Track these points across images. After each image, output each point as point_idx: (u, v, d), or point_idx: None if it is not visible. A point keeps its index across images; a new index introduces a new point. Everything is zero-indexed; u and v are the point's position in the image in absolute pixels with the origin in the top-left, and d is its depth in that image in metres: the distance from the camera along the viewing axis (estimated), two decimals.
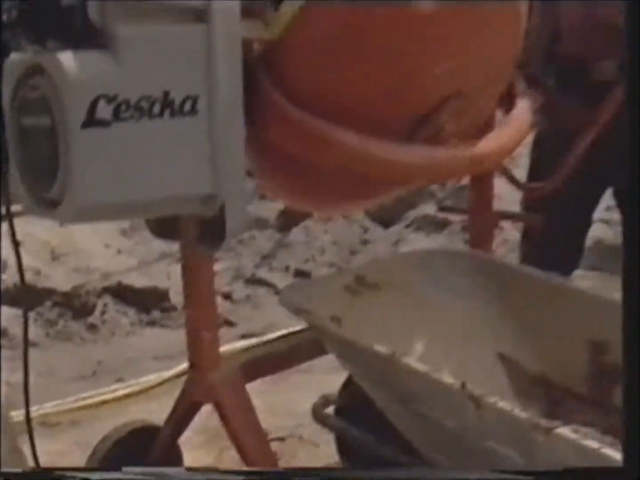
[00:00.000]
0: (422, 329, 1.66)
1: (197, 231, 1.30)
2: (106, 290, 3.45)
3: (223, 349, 1.89)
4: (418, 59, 1.35)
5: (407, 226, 4.00)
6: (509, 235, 3.74)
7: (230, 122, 1.22)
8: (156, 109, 1.17)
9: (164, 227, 1.39)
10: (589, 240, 3.88)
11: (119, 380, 2.79)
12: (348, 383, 1.82)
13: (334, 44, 1.34)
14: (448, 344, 1.65)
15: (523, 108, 1.55)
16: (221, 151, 1.22)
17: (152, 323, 3.38)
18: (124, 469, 1.08)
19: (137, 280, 3.55)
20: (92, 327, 3.32)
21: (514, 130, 1.53)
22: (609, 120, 1.95)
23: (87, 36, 1.16)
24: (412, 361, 1.32)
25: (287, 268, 3.76)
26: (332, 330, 1.47)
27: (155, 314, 3.39)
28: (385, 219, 4.04)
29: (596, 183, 2.26)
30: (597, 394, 1.61)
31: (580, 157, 1.92)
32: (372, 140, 1.33)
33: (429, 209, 3.95)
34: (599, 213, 3.29)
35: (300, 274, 3.72)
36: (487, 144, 1.46)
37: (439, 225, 3.87)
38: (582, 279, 2.58)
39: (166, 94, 1.18)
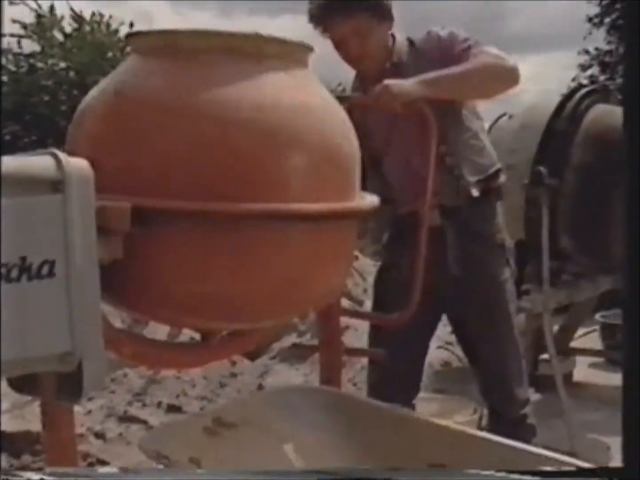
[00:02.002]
0: (277, 463, 1.65)
1: (56, 386, 1.28)
2: None
3: None
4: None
5: (272, 358, 4.00)
6: (365, 362, 3.82)
7: (86, 284, 1.22)
8: (14, 273, 1.17)
9: (23, 382, 1.35)
10: (436, 364, 4.01)
11: None
12: None
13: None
14: None
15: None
16: (78, 311, 1.22)
17: (22, 468, 3.17)
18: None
19: (9, 425, 3.36)
20: None
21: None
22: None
23: None
24: None
25: (159, 404, 3.65)
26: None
27: (26, 458, 3.20)
28: (251, 352, 4.04)
29: (433, 311, 2.35)
30: None
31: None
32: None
33: (291, 340, 3.99)
34: (445, 336, 3.41)
35: (172, 408, 3.63)
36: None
37: (302, 356, 3.90)
38: (429, 402, 2.64)
39: (23, 259, 1.18)
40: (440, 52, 2.20)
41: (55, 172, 1.21)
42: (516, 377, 2.32)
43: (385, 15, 2.21)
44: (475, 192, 2.21)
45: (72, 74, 15.47)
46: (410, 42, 2.29)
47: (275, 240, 1.39)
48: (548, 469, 1.17)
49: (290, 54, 1.50)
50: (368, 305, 4.08)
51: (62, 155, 1.22)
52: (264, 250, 1.38)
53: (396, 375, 2.31)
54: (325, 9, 2.17)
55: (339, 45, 2.24)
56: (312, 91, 1.51)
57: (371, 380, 2.43)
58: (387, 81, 2.09)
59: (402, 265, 2.20)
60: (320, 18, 2.20)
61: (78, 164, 1.24)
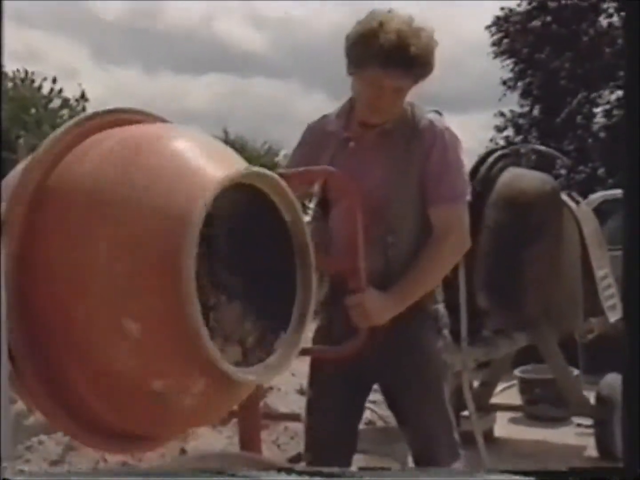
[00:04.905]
0: None
1: None
2: None
3: None
4: None
5: None
6: (289, 424, 3.80)
7: None
8: None
9: None
10: (360, 423, 4.00)
11: None
12: None
13: None
14: None
15: None
16: None
17: None
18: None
19: None
20: None
21: None
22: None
23: None
24: None
25: None
26: None
27: None
28: None
29: (364, 378, 2.34)
30: None
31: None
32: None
33: None
34: (369, 396, 3.40)
35: None
36: None
37: (225, 419, 3.85)
38: (353, 463, 2.63)
39: None
40: (429, 155, 2.17)
41: None
42: (445, 446, 2.28)
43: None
44: None
45: None
46: (412, 111, 2.22)
47: None
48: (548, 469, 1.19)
49: None
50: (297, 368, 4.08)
51: None
52: None
53: (332, 437, 2.30)
54: (393, 56, 2.03)
55: (370, 89, 2.12)
56: None
57: (307, 441, 2.41)
58: (368, 295, 2.05)
59: (338, 324, 2.19)
60: (381, 60, 2.04)
61: None
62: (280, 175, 2.14)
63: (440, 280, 2.26)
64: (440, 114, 2.28)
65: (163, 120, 1.63)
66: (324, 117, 2.35)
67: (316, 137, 2.30)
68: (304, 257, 1.62)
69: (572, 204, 4.08)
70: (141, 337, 1.36)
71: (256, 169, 1.52)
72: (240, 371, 1.46)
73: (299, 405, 2.50)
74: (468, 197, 2.22)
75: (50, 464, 3.60)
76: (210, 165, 1.45)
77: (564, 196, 4.04)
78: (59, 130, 1.49)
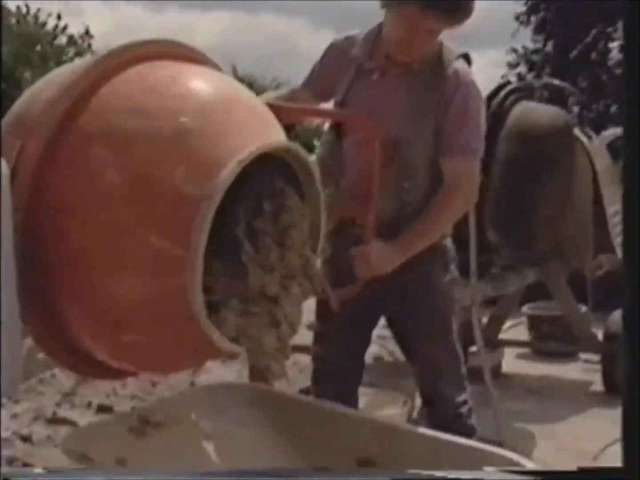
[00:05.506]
0: (206, 461, 1.64)
1: None
2: None
3: None
4: None
5: None
6: (297, 358, 3.82)
7: (3, 287, 1.18)
8: None
9: None
10: (368, 357, 4.03)
11: None
12: None
13: None
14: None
15: None
16: None
17: None
18: None
19: None
20: None
21: None
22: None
23: None
24: None
25: (89, 404, 3.59)
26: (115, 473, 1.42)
27: None
28: None
29: (371, 310, 2.35)
30: None
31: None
32: None
33: None
34: (377, 330, 3.43)
35: (103, 408, 3.56)
36: None
37: (233, 354, 3.88)
38: (359, 396, 2.66)
39: None
40: (449, 105, 2.12)
41: None
42: (452, 379, 2.30)
43: None
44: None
45: None
46: (442, 53, 2.16)
47: None
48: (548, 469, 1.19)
49: None
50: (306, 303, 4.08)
51: None
52: None
53: (338, 368, 2.33)
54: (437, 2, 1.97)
55: (404, 27, 2.05)
56: None
57: (315, 370, 2.43)
58: (373, 247, 2.03)
59: (345, 256, 2.18)
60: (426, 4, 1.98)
61: None
62: (293, 108, 2.11)
63: (445, 232, 2.25)
64: (469, 59, 2.22)
65: (200, 56, 1.56)
66: (350, 37, 2.27)
67: (338, 57, 2.24)
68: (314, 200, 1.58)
69: (585, 139, 4.02)
70: (139, 282, 1.32)
71: (286, 144, 1.46)
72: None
73: (308, 340, 2.51)
74: (481, 154, 2.17)
75: (63, 396, 3.65)
76: (243, 131, 1.39)
77: (577, 131, 3.97)
78: (92, 59, 1.41)
